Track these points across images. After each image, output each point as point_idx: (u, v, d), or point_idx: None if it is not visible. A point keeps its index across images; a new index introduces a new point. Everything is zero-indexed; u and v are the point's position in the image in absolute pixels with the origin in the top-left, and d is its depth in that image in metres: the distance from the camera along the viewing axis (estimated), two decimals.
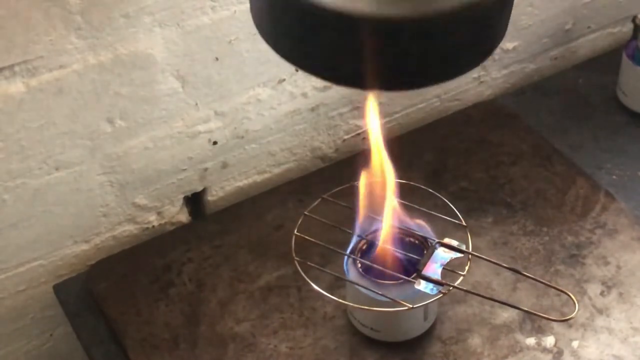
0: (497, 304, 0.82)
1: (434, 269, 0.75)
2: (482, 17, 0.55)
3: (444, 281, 0.74)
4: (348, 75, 0.57)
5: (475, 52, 0.58)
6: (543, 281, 0.79)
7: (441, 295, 0.74)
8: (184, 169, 0.94)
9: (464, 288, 0.76)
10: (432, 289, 0.74)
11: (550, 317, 0.78)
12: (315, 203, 0.82)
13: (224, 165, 0.97)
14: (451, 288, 0.74)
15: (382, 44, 0.53)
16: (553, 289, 0.81)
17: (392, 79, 0.57)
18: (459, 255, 0.76)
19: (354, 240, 0.79)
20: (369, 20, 0.52)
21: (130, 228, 0.95)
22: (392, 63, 0.55)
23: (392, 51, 0.54)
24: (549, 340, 0.81)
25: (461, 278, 0.75)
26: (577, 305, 0.75)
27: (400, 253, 0.78)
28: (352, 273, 0.78)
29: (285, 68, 0.93)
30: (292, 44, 0.58)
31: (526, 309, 0.77)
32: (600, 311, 0.83)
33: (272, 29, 0.58)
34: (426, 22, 0.52)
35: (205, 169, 0.96)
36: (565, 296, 0.79)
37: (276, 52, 0.59)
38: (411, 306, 0.75)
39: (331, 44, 0.55)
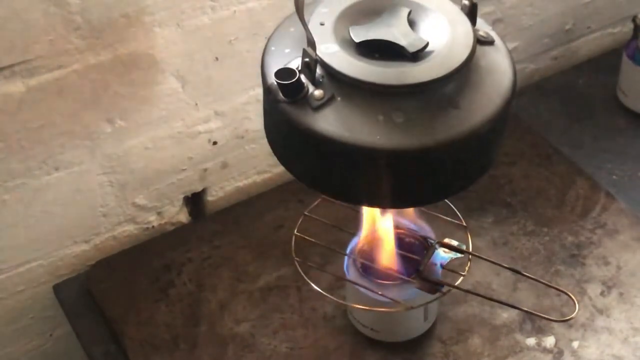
0: (497, 304, 0.82)
1: (434, 269, 0.75)
2: (478, 144, 0.61)
3: (444, 281, 0.74)
4: (359, 197, 0.64)
5: (475, 170, 0.65)
6: (543, 281, 0.79)
7: (441, 295, 0.74)
8: (184, 169, 0.94)
9: (464, 288, 0.76)
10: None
11: (551, 318, 0.78)
12: (315, 203, 0.82)
13: (224, 165, 0.97)
14: (451, 288, 0.74)
15: (389, 171, 0.60)
16: (553, 289, 0.81)
17: (402, 199, 0.64)
18: (459, 255, 0.76)
19: (354, 240, 0.79)
20: (376, 152, 0.58)
21: (130, 228, 0.95)
22: (400, 187, 0.61)
23: (398, 177, 0.60)
24: (549, 341, 0.81)
25: (461, 278, 0.75)
26: (577, 305, 0.75)
27: (400, 253, 0.77)
28: (352, 273, 0.78)
29: None
30: (307, 171, 0.64)
31: (526, 309, 0.77)
32: (600, 311, 0.83)
33: (290, 157, 0.65)
34: (429, 151, 0.59)
35: (205, 169, 0.96)
36: (566, 296, 0.79)
37: (293, 175, 0.65)
38: (411, 306, 0.75)
39: (345, 172, 0.61)
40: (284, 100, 0.60)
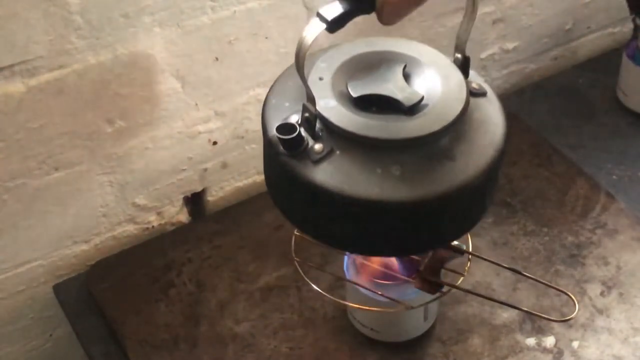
0: (497, 304, 0.82)
1: (434, 269, 0.74)
2: (473, 194, 0.63)
3: (444, 281, 0.74)
4: (359, 246, 0.66)
5: (470, 218, 0.67)
6: (543, 281, 0.79)
7: (441, 295, 0.74)
8: (184, 169, 0.94)
9: (464, 288, 0.76)
10: None
11: (551, 318, 0.78)
12: None
13: (224, 165, 0.97)
14: (451, 288, 0.74)
15: (388, 222, 0.62)
16: (553, 289, 0.81)
17: (401, 248, 0.67)
18: (459, 255, 0.76)
19: None
20: (375, 204, 0.60)
21: (130, 228, 0.95)
22: (399, 236, 0.65)
23: (397, 227, 0.63)
24: (549, 341, 0.81)
25: (461, 278, 0.75)
26: (577, 305, 0.75)
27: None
28: (352, 273, 0.78)
29: (285, 68, 0.93)
30: (308, 221, 0.66)
31: (526, 309, 0.77)
32: (600, 311, 0.83)
33: (291, 207, 0.67)
34: (426, 203, 0.61)
35: (205, 169, 0.96)
36: (566, 296, 0.79)
37: (293, 224, 0.68)
38: (411, 306, 0.75)
39: (345, 223, 0.63)
40: (285, 154, 0.61)
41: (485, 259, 0.78)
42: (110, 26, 0.79)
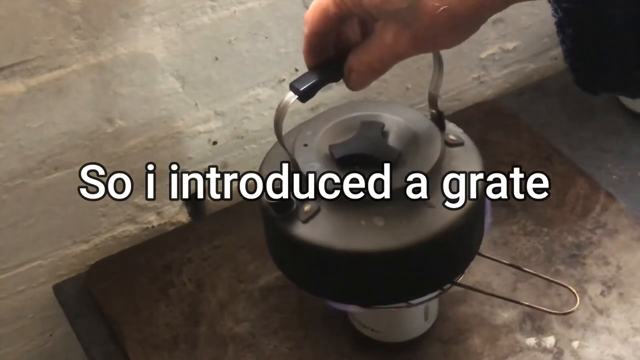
0: (497, 304, 0.82)
1: None
2: (456, 238, 0.67)
3: None
4: (352, 297, 0.70)
5: (459, 261, 0.70)
6: (544, 276, 0.79)
7: (441, 292, 0.74)
8: (184, 169, 0.94)
9: (465, 285, 0.76)
10: None
11: (552, 311, 0.78)
12: None
13: (224, 165, 0.97)
14: (452, 285, 0.74)
15: (375, 271, 0.66)
16: (553, 289, 0.81)
17: (391, 296, 0.70)
18: None
19: None
20: (362, 255, 0.65)
21: (130, 228, 0.95)
22: (387, 285, 0.68)
23: (384, 276, 0.67)
24: (549, 341, 0.81)
25: (461, 276, 0.75)
26: (577, 298, 0.75)
27: None
28: None
29: (285, 68, 0.93)
30: (303, 276, 0.71)
31: (527, 303, 0.77)
32: (600, 311, 0.83)
33: (287, 264, 0.71)
34: (410, 250, 0.64)
35: (205, 169, 0.96)
36: (566, 295, 0.79)
37: (290, 280, 0.72)
38: (412, 303, 0.75)
39: (336, 275, 0.67)
40: (277, 216, 0.66)
41: (485, 256, 0.78)
42: (110, 26, 0.79)
